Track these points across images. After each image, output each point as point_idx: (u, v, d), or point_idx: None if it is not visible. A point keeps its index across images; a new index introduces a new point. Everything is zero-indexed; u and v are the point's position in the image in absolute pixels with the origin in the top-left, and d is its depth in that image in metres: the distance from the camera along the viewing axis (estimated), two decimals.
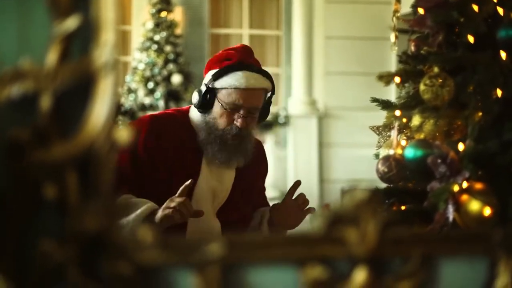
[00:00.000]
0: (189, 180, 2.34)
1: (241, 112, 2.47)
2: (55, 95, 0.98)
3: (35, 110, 0.98)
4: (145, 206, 2.33)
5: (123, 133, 0.98)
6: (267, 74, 2.57)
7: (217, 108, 2.48)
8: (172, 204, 2.28)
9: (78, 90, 0.99)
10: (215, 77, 2.50)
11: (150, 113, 2.56)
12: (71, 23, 0.99)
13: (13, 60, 0.99)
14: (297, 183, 2.59)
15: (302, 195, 2.58)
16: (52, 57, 0.99)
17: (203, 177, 2.50)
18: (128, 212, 2.31)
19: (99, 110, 0.98)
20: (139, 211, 2.32)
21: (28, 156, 0.96)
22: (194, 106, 2.54)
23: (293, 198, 2.56)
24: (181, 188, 2.32)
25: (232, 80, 2.47)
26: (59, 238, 0.98)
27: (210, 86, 2.49)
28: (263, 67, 2.63)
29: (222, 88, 2.48)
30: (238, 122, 2.46)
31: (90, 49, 0.99)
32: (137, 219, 2.31)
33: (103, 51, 0.98)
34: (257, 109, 2.51)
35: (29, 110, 0.99)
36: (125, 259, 0.98)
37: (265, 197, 2.79)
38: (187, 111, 2.59)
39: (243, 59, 2.54)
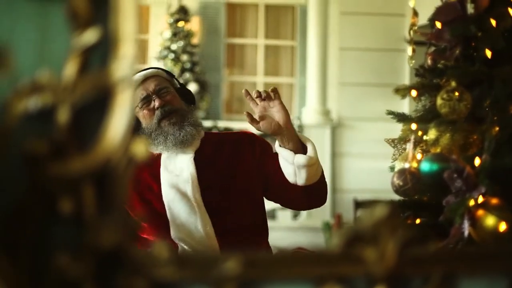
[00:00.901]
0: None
1: (153, 99, 2.52)
2: (73, 108, 0.98)
3: (52, 123, 0.98)
4: None
5: (141, 148, 0.98)
6: (153, 67, 2.66)
7: (141, 118, 2.54)
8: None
9: (96, 104, 0.98)
10: None
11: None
12: (91, 35, 0.98)
13: (31, 72, 0.99)
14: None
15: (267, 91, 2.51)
16: (70, 69, 0.98)
17: (163, 180, 2.52)
18: None
19: (117, 124, 0.97)
20: None
21: (45, 169, 0.95)
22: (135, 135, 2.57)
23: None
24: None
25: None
26: (75, 253, 0.97)
27: None
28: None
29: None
30: (156, 103, 2.51)
31: (108, 62, 0.98)
32: None
33: (122, 64, 0.98)
34: (164, 88, 2.56)
35: (46, 123, 0.98)
36: (141, 275, 0.97)
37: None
38: None
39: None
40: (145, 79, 2.55)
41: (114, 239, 0.96)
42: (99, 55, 0.99)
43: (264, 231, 2.63)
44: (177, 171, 2.52)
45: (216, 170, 2.56)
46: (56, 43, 1.01)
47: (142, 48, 8.03)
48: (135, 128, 2.52)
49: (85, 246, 0.97)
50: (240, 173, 2.57)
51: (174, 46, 7.64)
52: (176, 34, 7.66)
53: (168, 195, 2.48)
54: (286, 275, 1.01)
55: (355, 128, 7.86)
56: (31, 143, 0.95)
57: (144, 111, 2.52)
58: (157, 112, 2.51)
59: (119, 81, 0.98)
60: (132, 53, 0.98)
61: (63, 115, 0.98)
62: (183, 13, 7.69)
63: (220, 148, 2.60)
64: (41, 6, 1.01)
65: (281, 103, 2.46)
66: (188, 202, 2.47)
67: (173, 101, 2.56)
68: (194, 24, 7.81)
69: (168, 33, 7.67)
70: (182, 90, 2.66)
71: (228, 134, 2.77)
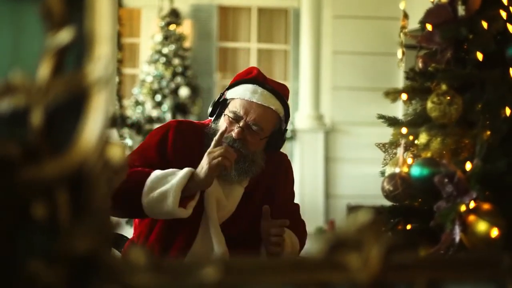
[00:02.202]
0: (222, 129, 2.40)
1: (241, 123, 2.44)
2: (46, 110, 0.95)
3: (25, 126, 0.95)
4: (186, 169, 2.35)
5: (117, 151, 0.95)
6: (281, 98, 2.53)
7: (223, 117, 2.48)
8: (216, 153, 2.31)
9: (71, 106, 0.95)
10: (229, 88, 2.54)
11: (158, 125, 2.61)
12: (65, 36, 0.96)
13: (4, 73, 0.96)
14: (266, 210, 2.52)
15: (276, 225, 2.49)
16: (44, 70, 0.95)
17: (212, 189, 2.47)
18: (164, 182, 2.31)
19: (92, 126, 0.94)
20: (181, 173, 2.34)
21: (17, 173, 0.92)
22: (209, 115, 2.56)
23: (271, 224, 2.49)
24: (216, 138, 2.37)
25: (241, 91, 2.47)
26: (48, 259, 0.94)
27: (222, 96, 2.53)
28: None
29: (231, 98, 2.50)
30: (234, 132, 2.43)
31: (83, 63, 0.96)
32: (180, 182, 2.31)
33: (97, 65, 0.95)
34: (260, 127, 2.47)
35: (19, 125, 0.95)
36: (116, 282, 0.94)
37: (289, 213, 2.67)
38: (208, 123, 2.60)
39: (260, 76, 2.54)
40: (256, 102, 2.47)
41: (88, 245, 0.93)
42: (74, 56, 0.97)
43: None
44: (226, 191, 2.51)
45: (256, 204, 2.55)
46: (30, 43, 0.98)
47: (133, 51, 8.01)
48: (214, 108, 2.54)
49: (58, 252, 0.94)
50: (274, 208, 2.56)
51: (165, 50, 7.63)
52: (168, 38, 7.65)
53: (209, 201, 2.47)
54: (267, 281, 0.98)
55: (348, 133, 7.85)
56: (3, 146, 0.93)
57: (228, 121, 2.47)
58: (229, 136, 2.45)
59: (94, 82, 0.95)
60: (108, 54, 0.95)
61: (36, 117, 0.95)
62: (174, 16, 7.67)
63: (262, 177, 2.56)
64: (15, 5, 0.98)
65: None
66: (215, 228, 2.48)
67: (253, 144, 2.48)
68: (185, 28, 7.80)
69: (159, 37, 7.65)
70: (278, 136, 2.57)
71: (269, 156, 2.63)
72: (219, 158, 2.30)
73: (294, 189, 2.78)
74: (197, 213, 2.43)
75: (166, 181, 2.32)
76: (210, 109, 2.56)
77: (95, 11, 0.96)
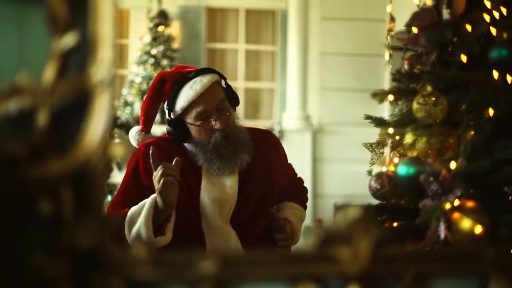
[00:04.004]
0: (152, 148, 2.36)
1: (213, 116, 2.47)
2: (51, 111, 0.99)
3: (31, 126, 0.99)
4: (149, 200, 2.35)
5: (118, 149, 0.99)
6: (207, 69, 2.57)
7: (193, 131, 2.48)
8: (157, 177, 2.31)
9: (75, 107, 1.00)
10: (170, 106, 2.49)
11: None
12: (69, 40, 1.00)
13: (11, 75, 1.00)
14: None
15: (283, 231, 2.60)
16: (49, 73, 0.99)
17: (205, 191, 2.49)
18: (136, 219, 2.34)
19: (95, 127, 0.99)
20: (145, 207, 2.34)
21: (24, 171, 0.97)
22: (176, 142, 2.54)
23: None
24: (151, 162, 2.34)
25: (185, 96, 2.46)
26: (53, 253, 0.98)
27: (172, 117, 2.50)
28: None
29: (183, 110, 2.47)
30: (216, 126, 2.46)
31: (87, 66, 1.00)
32: (148, 215, 2.33)
33: (100, 68, 0.99)
34: (223, 102, 2.50)
35: (25, 125, 0.99)
36: (118, 275, 0.98)
37: (292, 179, 2.81)
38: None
39: (179, 73, 2.53)
40: (206, 88, 2.46)
41: (91, 240, 0.97)
42: (78, 59, 1.01)
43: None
44: (220, 185, 2.53)
45: (256, 184, 2.59)
46: (35, 47, 1.02)
47: (122, 53, 8.03)
48: (179, 134, 2.50)
49: (62, 247, 0.98)
50: (275, 183, 2.64)
51: (154, 51, 7.64)
52: (156, 39, 7.66)
53: (208, 207, 2.49)
54: (262, 274, 1.03)
55: (336, 133, 7.89)
56: (10, 146, 0.97)
57: (203, 126, 2.46)
58: (216, 134, 2.46)
59: (97, 84, 0.99)
60: (110, 57, 1.00)
61: (42, 118, 0.99)
62: (163, 17, 7.69)
63: (255, 156, 2.59)
64: (20, 11, 1.02)
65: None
66: (222, 218, 2.52)
67: (230, 121, 2.51)
68: (174, 29, 7.82)
69: (148, 38, 7.66)
70: (229, 91, 2.59)
71: (255, 134, 2.67)
72: (162, 180, 2.30)
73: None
74: (197, 220, 2.47)
75: (138, 217, 2.35)
76: (173, 137, 2.53)
77: (97, 16, 1.01)
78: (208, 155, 2.47)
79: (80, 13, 1.01)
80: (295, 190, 2.81)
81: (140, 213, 2.34)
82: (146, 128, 2.57)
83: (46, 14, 1.00)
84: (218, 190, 2.50)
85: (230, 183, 2.52)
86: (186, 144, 2.52)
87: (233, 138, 2.49)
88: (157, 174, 2.32)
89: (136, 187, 2.45)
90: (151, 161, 2.34)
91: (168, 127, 2.51)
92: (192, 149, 2.50)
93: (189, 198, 2.45)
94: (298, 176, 2.90)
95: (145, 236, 2.31)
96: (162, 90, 2.52)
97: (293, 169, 2.85)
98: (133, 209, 2.37)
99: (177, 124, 2.49)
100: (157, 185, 2.31)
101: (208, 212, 2.47)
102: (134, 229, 2.33)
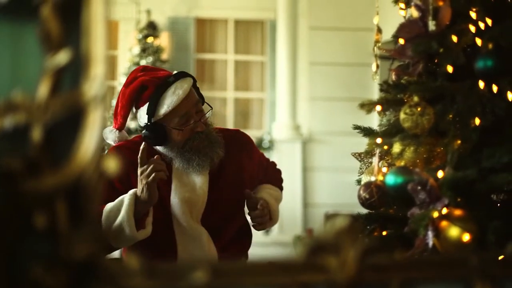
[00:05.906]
0: (143, 144, 2.40)
1: (193, 118, 2.53)
2: (46, 127, 1.02)
3: (26, 141, 1.02)
4: (129, 195, 2.39)
5: (111, 163, 1.02)
6: (183, 73, 2.61)
7: (174, 134, 2.53)
8: (148, 171, 2.36)
9: (68, 122, 1.02)
10: (151, 111, 2.51)
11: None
12: (63, 57, 1.03)
13: (5, 92, 1.02)
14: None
15: (258, 208, 2.63)
16: (43, 90, 1.02)
17: (175, 192, 2.54)
18: (116, 214, 2.37)
19: (88, 141, 1.01)
20: (126, 202, 2.38)
21: (20, 185, 0.99)
22: (154, 145, 2.58)
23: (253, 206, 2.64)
24: (139, 156, 2.38)
25: (170, 101, 2.50)
26: (49, 265, 1.00)
27: (152, 122, 2.52)
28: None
29: (165, 115, 2.51)
30: (199, 128, 2.52)
31: (80, 83, 1.02)
32: (130, 209, 2.37)
33: (93, 84, 1.02)
34: (199, 104, 2.58)
35: (20, 141, 1.02)
36: (113, 285, 1.01)
37: (266, 168, 2.86)
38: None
39: (157, 79, 2.56)
40: (185, 95, 2.51)
41: (86, 251, 1.00)
42: (71, 75, 1.04)
43: (249, 231, 2.75)
44: (191, 185, 2.57)
45: (226, 185, 2.64)
46: (29, 64, 1.05)
47: (111, 64, 8.04)
48: (157, 138, 2.53)
49: (58, 258, 1.00)
50: (245, 184, 2.69)
51: (143, 62, 7.66)
52: (145, 50, 7.68)
53: (178, 207, 2.54)
54: (252, 283, 1.05)
55: (325, 143, 7.91)
56: (6, 160, 0.99)
57: (185, 129, 2.52)
58: (197, 136, 2.53)
59: (90, 100, 1.02)
60: (103, 73, 1.02)
61: (36, 134, 1.01)
62: (152, 28, 7.71)
63: (227, 156, 2.64)
64: (14, 28, 1.05)
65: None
66: (193, 219, 2.55)
67: (206, 122, 2.59)
68: (163, 40, 7.84)
69: (137, 49, 7.68)
70: (197, 91, 2.64)
71: (227, 135, 2.72)
72: (153, 174, 2.36)
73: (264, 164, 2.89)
74: (168, 221, 2.51)
75: (118, 212, 2.38)
76: (152, 141, 2.56)
77: (90, 33, 1.03)
78: (186, 155, 2.53)
79: (73, 31, 1.04)
80: (270, 174, 2.86)
81: (118, 209, 2.38)
82: (121, 127, 2.59)
83: (39, 31, 1.03)
84: (188, 191, 2.55)
85: (200, 183, 2.57)
86: (159, 148, 2.56)
87: (207, 134, 2.57)
88: (145, 169, 2.36)
89: (108, 188, 2.48)
90: (139, 156, 2.38)
91: (145, 131, 2.53)
92: (168, 153, 2.55)
93: (160, 199, 2.48)
94: (271, 161, 2.99)
95: (128, 231, 2.37)
96: (141, 95, 2.54)
97: (266, 158, 2.92)
98: (110, 205, 2.41)
99: (156, 129, 2.52)
100: (145, 180, 2.35)
101: (178, 212, 2.52)
102: (115, 224, 2.37)
